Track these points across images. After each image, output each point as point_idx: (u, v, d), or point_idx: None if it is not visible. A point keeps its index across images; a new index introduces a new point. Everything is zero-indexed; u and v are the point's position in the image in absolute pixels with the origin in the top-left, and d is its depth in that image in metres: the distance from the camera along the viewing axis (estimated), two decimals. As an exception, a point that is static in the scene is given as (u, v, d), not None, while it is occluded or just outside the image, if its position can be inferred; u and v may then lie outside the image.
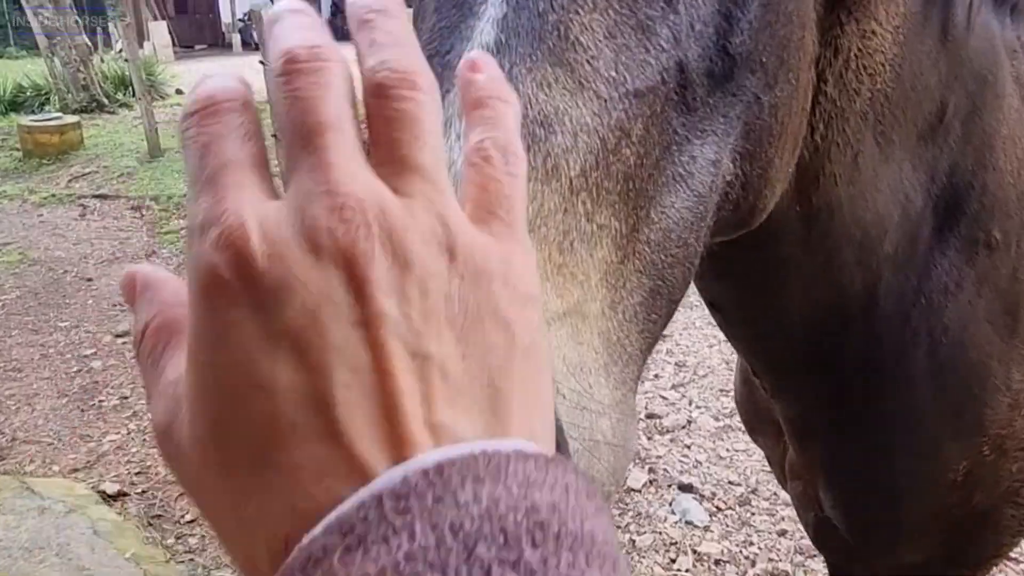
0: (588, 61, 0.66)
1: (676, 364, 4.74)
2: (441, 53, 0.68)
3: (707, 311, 1.39)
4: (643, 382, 4.54)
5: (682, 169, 0.72)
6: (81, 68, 15.13)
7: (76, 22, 15.27)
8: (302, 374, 0.32)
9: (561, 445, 0.43)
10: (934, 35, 1.13)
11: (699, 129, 0.73)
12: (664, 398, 4.39)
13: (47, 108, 14.96)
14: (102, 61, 18.11)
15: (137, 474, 4.03)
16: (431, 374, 0.33)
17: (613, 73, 0.66)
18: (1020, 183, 1.26)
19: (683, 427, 4.11)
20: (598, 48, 0.66)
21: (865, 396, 1.34)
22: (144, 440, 4.32)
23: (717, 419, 4.17)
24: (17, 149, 12.19)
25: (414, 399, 0.33)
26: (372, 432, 0.32)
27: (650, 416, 4.21)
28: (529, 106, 0.62)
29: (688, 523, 3.43)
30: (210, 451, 0.33)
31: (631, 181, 0.66)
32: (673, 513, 3.49)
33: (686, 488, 3.64)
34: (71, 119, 12.64)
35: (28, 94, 16.27)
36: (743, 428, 4.05)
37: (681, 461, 3.83)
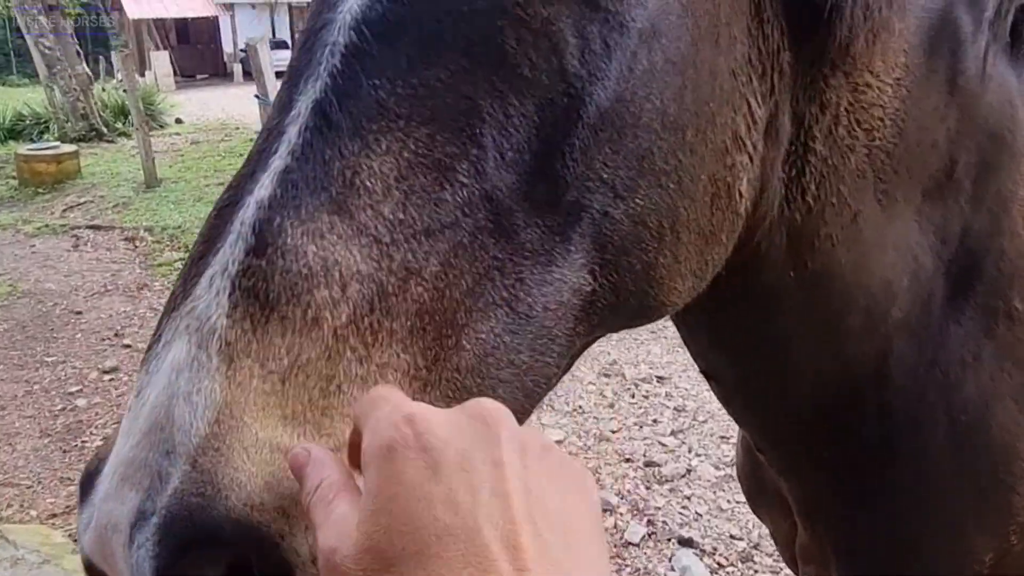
0: (371, 206, 0.64)
1: (675, 409, 4.62)
2: (231, 203, 0.66)
3: (698, 361, 1.32)
4: (641, 428, 4.43)
5: (505, 293, 0.69)
6: (81, 97, 15.16)
7: (77, 51, 15.33)
8: (455, 491, 0.48)
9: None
10: (941, 87, 1.05)
11: (527, 251, 0.70)
12: (663, 445, 4.26)
13: (46, 136, 14.97)
14: (103, 90, 18.18)
15: (117, 520, 3.89)
16: (535, 503, 0.50)
17: (400, 215, 0.65)
18: None
19: (683, 476, 3.98)
20: (386, 191, 0.65)
21: (880, 475, 1.24)
22: (126, 484, 4.19)
23: (718, 468, 4.04)
24: (14, 178, 12.15)
25: (528, 518, 0.48)
26: (497, 535, 0.47)
27: (648, 464, 4.09)
28: (295, 259, 0.61)
29: (688, 580, 3.30)
30: (379, 554, 0.47)
31: (426, 316, 0.65)
32: (673, 570, 3.35)
33: (686, 542, 3.50)
34: (68, 148, 12.63)
35: (27, 122, 16.31)
36: (744, 478, 3.94)
37: (681, 513, 3.70)
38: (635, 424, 4.49)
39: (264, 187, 0.65)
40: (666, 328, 5.82)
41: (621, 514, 3.71)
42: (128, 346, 5.99)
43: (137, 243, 8.80)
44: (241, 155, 13.70)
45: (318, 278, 0.61)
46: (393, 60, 0.67)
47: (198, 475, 0.56)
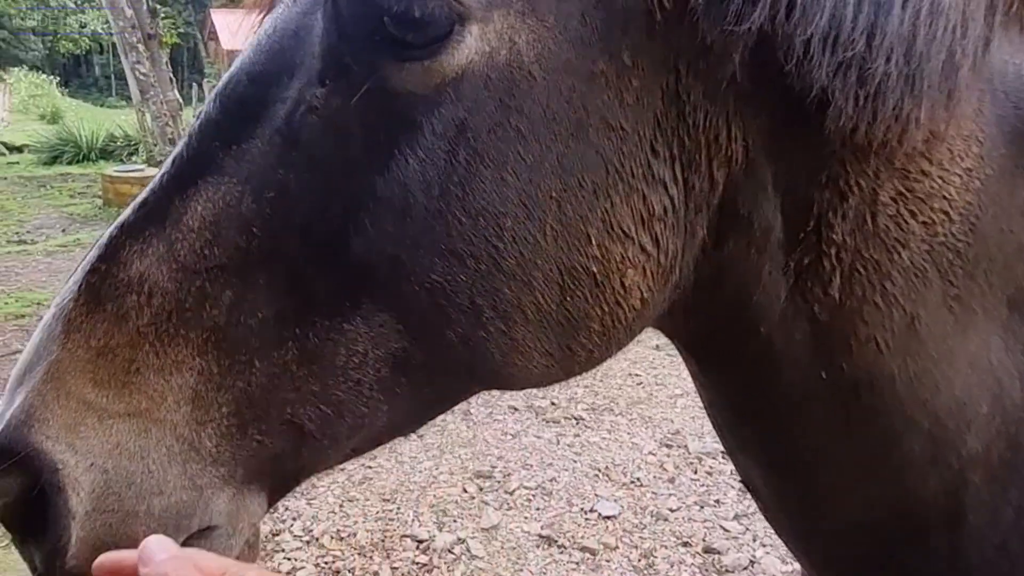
0: (186, 239, 0.79)
1: (740, 490, 4.32)
2: (116, 221, 0.85)
3: (735, 466, 1.18)
4: (702, 508, 4.14)
5: (297, 331, 0.80)
6: (170, 123, 15.68)
7: (170, 79, 15.90)
8: None
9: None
10: None
11: (318, 302, 0.80)
12: (725, 530, 3.97)
13: (135, 158, 15.55)
14: (194, 116, 18.83)
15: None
16: None
17: (206, 251, 0.79)
18: None
19: (745, 568, 3.68)
20: (200, 230, 0.79)
21: None
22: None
23: (785, 562, 3.73)
24: (99, 197, 12.58)
25: None
26: None
27: (708, 551, 3.80)
28: (122, 270, 0.80)
29: None
30: None
31: (220, 332, 0.79)
32: (729, 677, 3.06)
33: (745, 646, 3.21)
34: (153, 172, 12.99)
35: (119, 144, 17.02)
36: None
37: (742, 612, 3.40)
38: (696, 504, 4.21)
39: (127, 212, 0.83)
40: (734, 397, 5.52)
41: (675, 606, 3.43)
42: (186, 375, 5.99)
43: (207, 270, 8.94)
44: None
45: (133, 287, 0.79)
46: (231, 129, 0.81)
47: (25, 406, 0.77)
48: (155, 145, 15.81)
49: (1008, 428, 0.95)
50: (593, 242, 0.81)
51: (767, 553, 3.79)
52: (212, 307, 0.79)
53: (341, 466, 4.53)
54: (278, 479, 0.88)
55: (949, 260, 0.89)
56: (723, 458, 4.67)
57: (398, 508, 4.16)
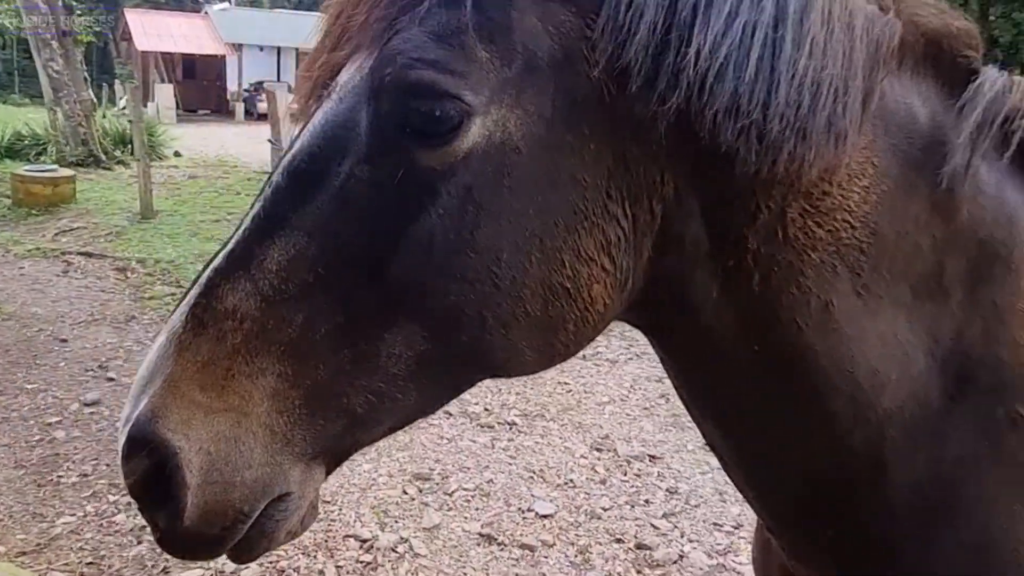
0: (267, 278, 1.01)
1: (667, 490, 4.56)
2: (209, 263, 1.07)
3: (700, 432, 1.37)
4: (632, 507, 4.36)
5: (350, 340, 1.01)
6: (83, 123, 15.17)
7: (84, 78, 15.39)
8: None
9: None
10: (922, 199, 1.13)
11: (365, 316, 1.01)
12: (655, 527, 4.19)
13: (43, 158, 14.91)
14: (104, 117, 18.20)
15: (88, 564, 3.74)
16: None
17: (282, 286, 1.01)
18: None
19: (675, 562, 3.90)
20: (277, 271, 1.01)
21: (888, 572, 1.22)
22: (100, 525, 4.04)
23: (711, 556, 3.97)
24: (8, 197, 12.06)
25: None
26: None
27: (640, 546, 4.00)
28: (220, 302, 1.01)
29: (678, 674, 3.20)
30: None
31: (294, 345, 1.00)
32: (663, 661, 3.25)
33: (677, 633, 3.41)
34: (66, 172, 12.58)
35: (26, 143, 16.26)
36: (737, 571, 3.85)
37: (672, 602, 3.61)
38: (627, 503, 4.42)
39: (219, 258, 1.05)
40: (658, 405, 5.79)
41: (611, 598, 3.61)
42: (112, 379, 5.86)
43: (128, 274, 8.70)
44: (239, 193, 13.71)
45: (228, 315, 1.01)
46: (297, 195, 1.03)
47: (150, 407, 0.99)
48: (66, 145, 15.25)
49: (917, 391, 1.16)
50: (567, 265, 1.04)
51: (694, 548, 4.02)
52: (287, 327, 1.00)
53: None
54: (336, 453, 1.11)
55: (855, 257, 1.11)
56: (650, 461, 4.90)
57: (340, 509, 4.23)
